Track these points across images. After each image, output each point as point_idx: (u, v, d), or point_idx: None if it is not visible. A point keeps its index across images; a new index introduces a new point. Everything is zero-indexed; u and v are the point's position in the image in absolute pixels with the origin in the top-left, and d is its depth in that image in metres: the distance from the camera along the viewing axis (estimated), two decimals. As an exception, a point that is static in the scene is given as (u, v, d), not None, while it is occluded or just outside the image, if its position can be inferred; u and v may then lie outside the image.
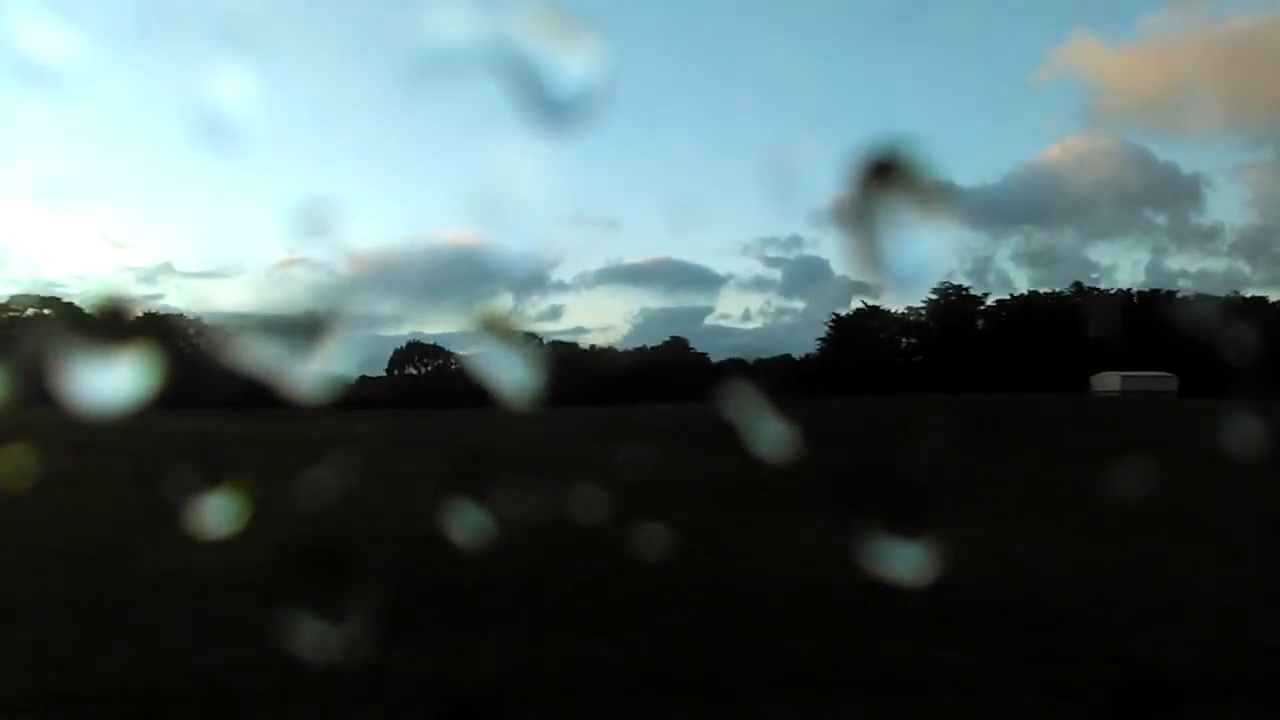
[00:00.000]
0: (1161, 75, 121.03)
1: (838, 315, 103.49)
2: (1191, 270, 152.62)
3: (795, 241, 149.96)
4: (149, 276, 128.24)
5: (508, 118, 4.15)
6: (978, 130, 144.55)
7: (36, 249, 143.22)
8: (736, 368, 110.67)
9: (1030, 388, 67.41)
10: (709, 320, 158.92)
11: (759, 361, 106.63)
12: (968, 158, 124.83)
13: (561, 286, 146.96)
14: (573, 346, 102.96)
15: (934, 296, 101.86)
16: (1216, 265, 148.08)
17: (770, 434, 13.83)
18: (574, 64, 3.89)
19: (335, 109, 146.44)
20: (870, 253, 3.85)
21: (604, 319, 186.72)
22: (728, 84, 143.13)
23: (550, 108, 3.98)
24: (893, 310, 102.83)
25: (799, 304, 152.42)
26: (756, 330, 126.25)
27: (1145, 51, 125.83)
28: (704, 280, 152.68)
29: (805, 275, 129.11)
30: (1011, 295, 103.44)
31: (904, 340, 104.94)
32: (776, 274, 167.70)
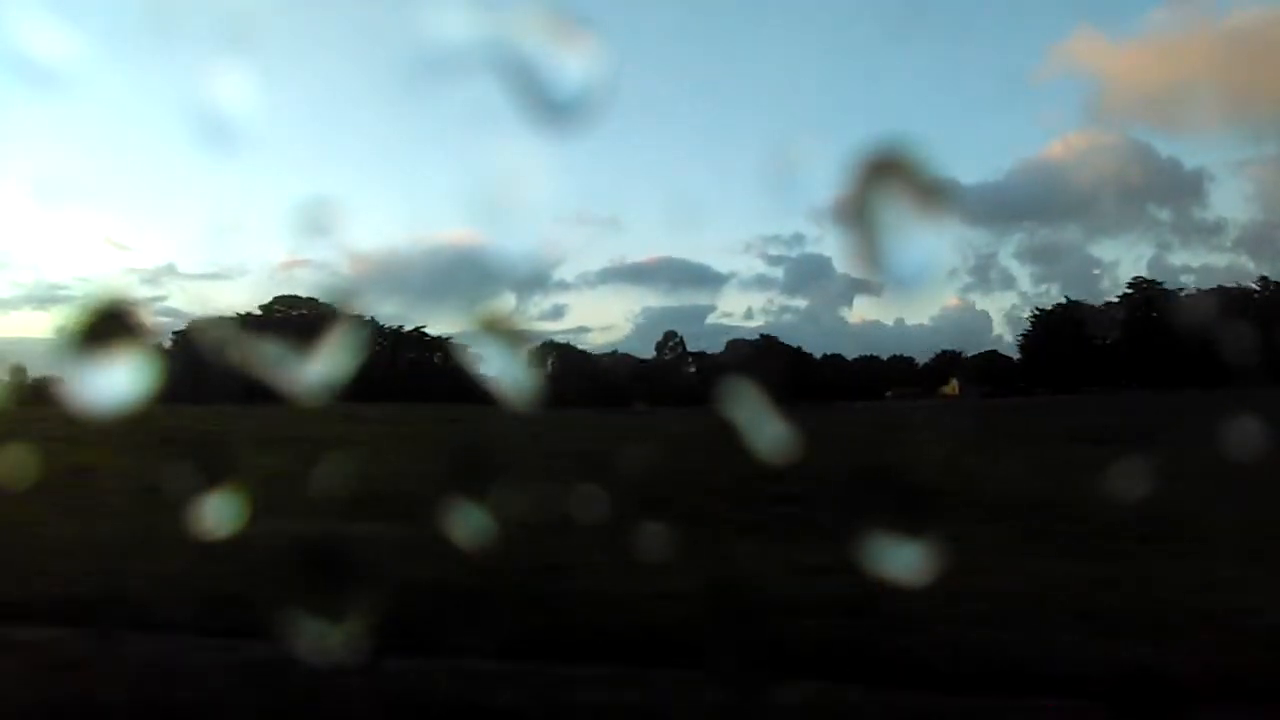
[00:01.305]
0: (1164, 71, 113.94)
1: (1040, 310, 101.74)
2: (1194, 265, 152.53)
3: (797, 239, 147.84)
4: (152, 278, 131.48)
5: (509, 118, 4.27)
6: (980, 127, 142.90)
7: (39, 251, 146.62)
8: (868, 365, 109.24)
9: (1239, 381, 63.60)
10: (711, 319, 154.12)
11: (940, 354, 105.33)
12: (970, 155, 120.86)
13: (564, 286, 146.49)
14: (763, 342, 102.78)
15: (1129, 290, 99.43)
16: (1219, 260, 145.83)
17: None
18: (574, 63, 3.99)
19: (337, 110, 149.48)
20: (872, 251, 3.79)
21: (606, 318, 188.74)
22: (728, 82, 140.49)
23: (551, 107, 4.08)
24: (1093, 304, 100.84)
25: (801, 302, 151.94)
26: (759, 329, 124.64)
27: (1148, 47, 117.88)
28: (706, 279, 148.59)
29: (808, 273, 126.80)
30: (1199, 290, 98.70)
31: (1103, 336, 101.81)
32: (779, 272, 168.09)
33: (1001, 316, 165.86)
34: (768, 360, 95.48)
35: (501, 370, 4.88)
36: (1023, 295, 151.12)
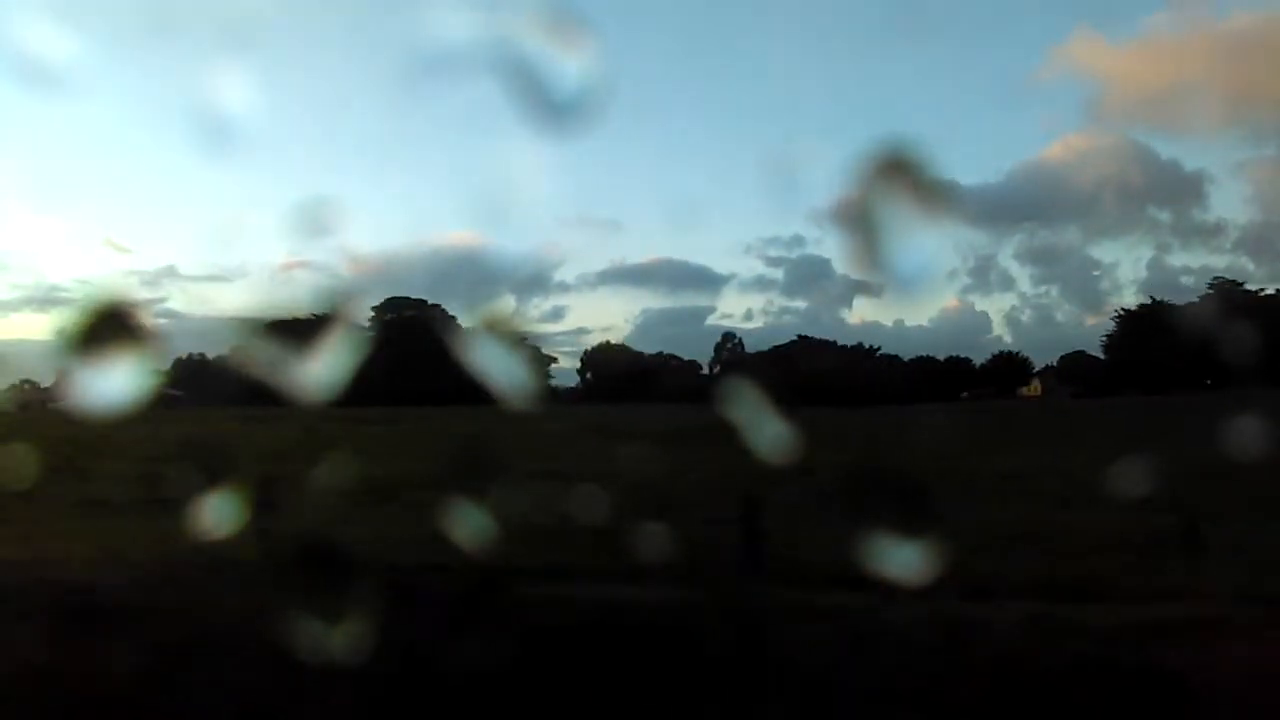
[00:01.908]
0: (1164, 72, 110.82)
1: (1126, 311, 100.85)
2: (1194, 267, 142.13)
3: (797, 241, 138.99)
4: (153, 280, 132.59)
5: (510, 120, 4.32)
6: (979, 128, 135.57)
7: (39, 253, 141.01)
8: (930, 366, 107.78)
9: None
10: (710, 320, 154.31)
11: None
12: (969, 156, 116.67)
13: (564, 287, 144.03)
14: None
15: (1208, 289, 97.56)
16: (1219, 262, 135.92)
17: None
18: (574, 65, 4.02)
19: (337, 111, 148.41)
20: (872, 252, 3.73)
21: (606, 319, 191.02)
22: (728, 83, 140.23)
23: (552, 108, 4.12)
24: (1177, 304, 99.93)
25: (801, 303, 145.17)
26: (758, 330, 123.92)
27: (1148, 48, 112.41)
28: (706, 280, 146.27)
29: (807, 275, 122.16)
30: (1278, 290, 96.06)
31: (1190, 335, 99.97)
32: (778, 274, 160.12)
33: (1001, 318, 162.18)
34: (830, 362, 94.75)
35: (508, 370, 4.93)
36: (1022, 296, 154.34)
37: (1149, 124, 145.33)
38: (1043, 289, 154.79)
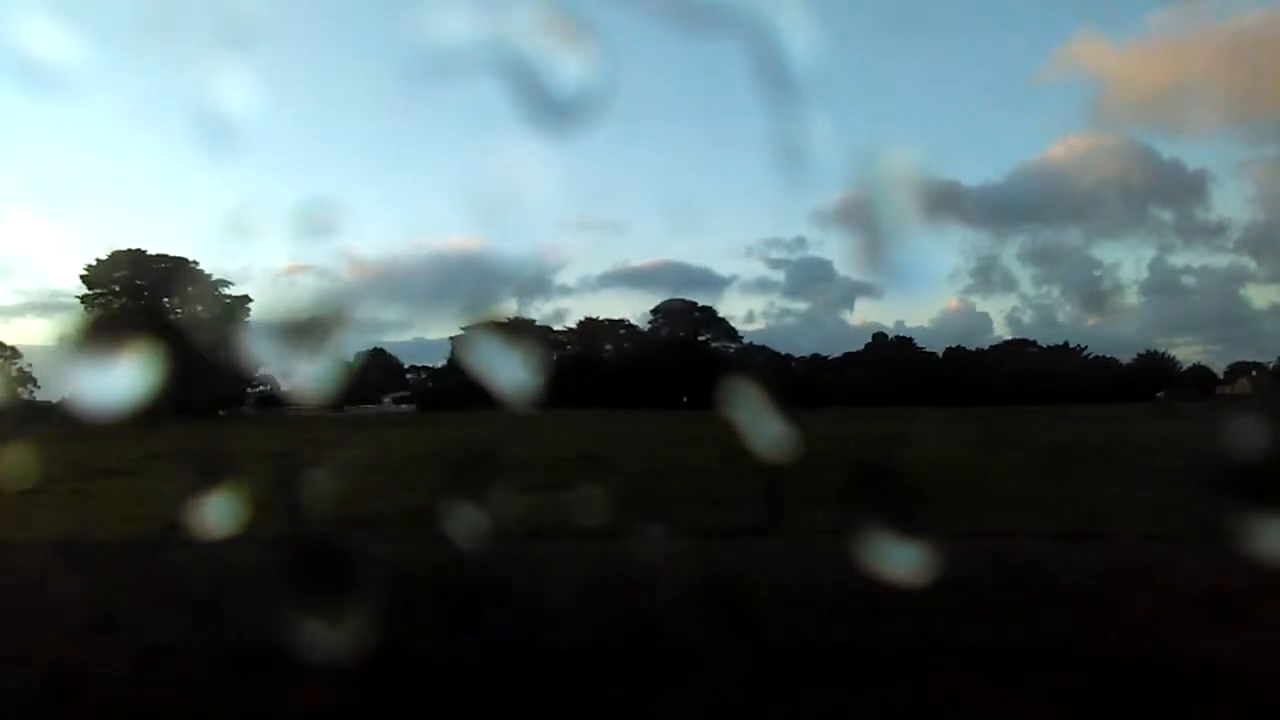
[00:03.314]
0: (1166, 72, 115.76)
1: None
2: (1196, 266, 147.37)
3: (799, 242, 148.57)
4: None
5: (511, 121, 4.37)
6: (982, 129, 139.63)
7: (43, 257, 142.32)
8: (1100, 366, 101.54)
9: None
10: None
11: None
12: (972, 157, 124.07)
13: (565, 290, 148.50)
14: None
15: None
16: (1221, 261, 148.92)
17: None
18: (575, 67, 4.06)
19: (339, 115, 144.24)
20: (874, 253, 3.53)
21: None
22: (730, 84, 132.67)
23: (553, 109, 4.18)
24: None
25: (802, 305, 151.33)
26: (760, 331, 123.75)
27: (1150, 49, 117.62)
28: (707, 282, 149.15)
29: (809, 276, 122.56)
30: None
31: None
32: (780, 275, 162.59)
33: (1002, 318, 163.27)
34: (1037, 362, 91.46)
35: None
36: (1024, 297, 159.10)
37: (1151, 124, 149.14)
38: (1044, 289, 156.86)
